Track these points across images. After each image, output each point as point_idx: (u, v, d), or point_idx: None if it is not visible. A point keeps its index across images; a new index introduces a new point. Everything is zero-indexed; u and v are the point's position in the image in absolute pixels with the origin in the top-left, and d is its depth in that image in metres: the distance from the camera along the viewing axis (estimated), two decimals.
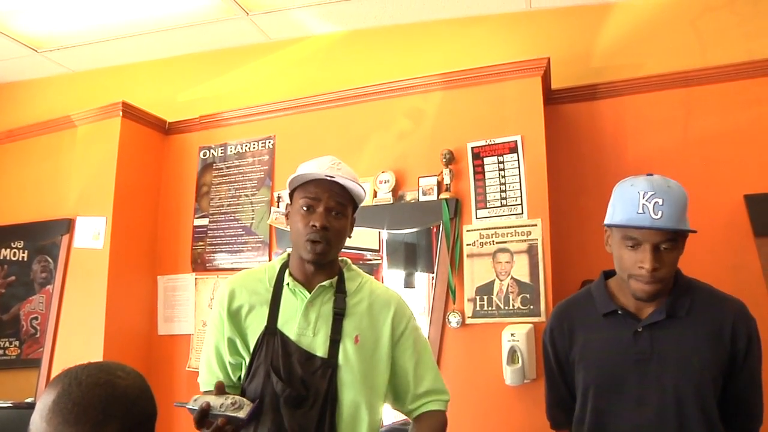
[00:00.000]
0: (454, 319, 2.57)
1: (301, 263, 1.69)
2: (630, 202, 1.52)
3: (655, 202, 1.48)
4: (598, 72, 2.91)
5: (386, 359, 1.71)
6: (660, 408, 1.53)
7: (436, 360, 2.55)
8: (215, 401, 1.41)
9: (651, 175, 1.58)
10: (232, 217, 3.16)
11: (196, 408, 1.41)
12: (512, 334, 2.37)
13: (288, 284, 1.69)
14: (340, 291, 1.71)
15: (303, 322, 1.64)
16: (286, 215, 1.75)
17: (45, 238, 3.27)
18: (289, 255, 1.78)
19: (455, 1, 3.10)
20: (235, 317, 1.68)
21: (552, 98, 2.85)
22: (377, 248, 3.16)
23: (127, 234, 3.14)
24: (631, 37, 2.93)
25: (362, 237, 3.12)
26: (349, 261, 1.82)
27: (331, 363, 1.62)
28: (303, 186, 1.67)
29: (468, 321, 2.56)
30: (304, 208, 1.64)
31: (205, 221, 3.23)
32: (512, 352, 2.36)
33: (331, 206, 1.65)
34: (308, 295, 1.67)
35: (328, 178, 1.64)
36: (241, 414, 1.39)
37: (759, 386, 1.61)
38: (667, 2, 2.90)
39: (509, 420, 2.44)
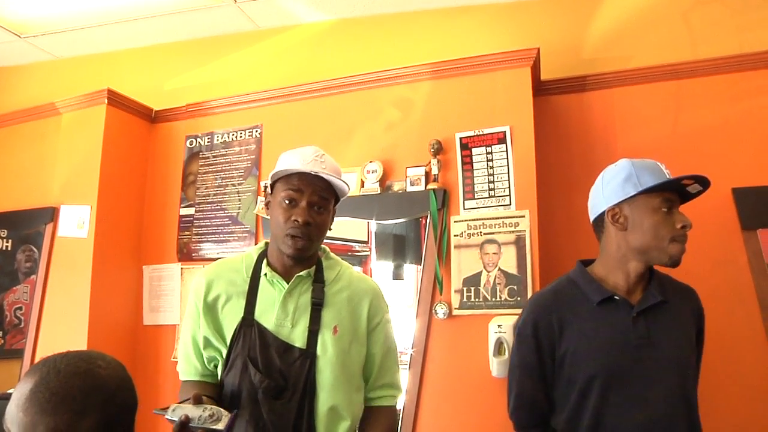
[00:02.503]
0: (441, 311, 2.56)
1: (280, 254, 1.68)
2: (652, 168, 1.61)
3: (667, 172, 1.61)
4: (588, 63, 2.90)
5: (363, 348, 1.72)
6: (666, 389, 1.54)
7: (423, 351, 2.56)
8: (193, 412, 1.38)
9: None
10: (219, 207, 3.13)
11: (176, 419, 1.37)
12: (499, 326, 2.37)
13: (266, 274, 1.68)
14: (318, 281, 1.71)
15: (281, 312, 1.64)
16: (266, 204, 1.73)
17: (29, 226, 3.23)
18: (266, 244, 1.76)
19: None
20: (211, 309, 1.67)
21: (541, 89, 2.83)
22: (365, 239, 3.15)
23: (112, 223, 3.11)
24: (621, 28, 2.92)
25: (350, 228, 3.10)
26: (327, 249, 1.81)
27: (309, 354, 1.62)
28: (286, 178, 1.65)
29: (455, 312, 2.55)
30: (286, 201, 1.63)
31: (191, 210, 3.20)
32: (499, 344, 2.36)
33: (314, 201, 1.64)
34: (286, 286, 1.66)
35: (313, 174, 1.63)
36: (220, 426, 1.37)
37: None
38: None
39: (495, 411, 2.43)
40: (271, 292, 1.67)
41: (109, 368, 1.18)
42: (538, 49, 2.62)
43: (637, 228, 1.60)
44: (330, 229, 1.72)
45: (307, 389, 1.59)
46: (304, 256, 1.66)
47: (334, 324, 1.66)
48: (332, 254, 1.81)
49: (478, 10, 3.15)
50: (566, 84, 2.84)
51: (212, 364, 1.68)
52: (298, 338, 1.62)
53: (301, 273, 1.67)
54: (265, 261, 1.70)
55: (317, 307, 1.66)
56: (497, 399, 2.44)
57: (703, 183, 1.60)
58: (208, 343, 1.66)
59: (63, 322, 2.98)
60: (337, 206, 1.76)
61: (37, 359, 2.99)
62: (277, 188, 1.67)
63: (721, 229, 2.52)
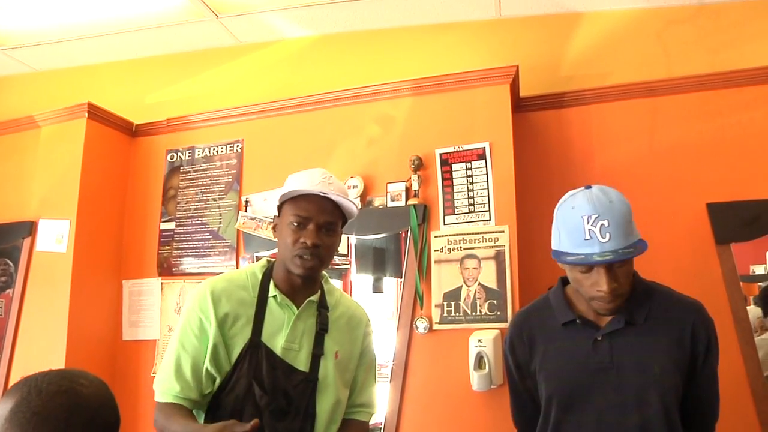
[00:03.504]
0: (421, 325, 2.57)
1: (288, 276, 1.67)
2: (575, 229, 1.47)
3: (601, 225, 1.43)
4: (565, 80, 2.95)
5: (353, 373, 1.76)
6: (622, 416, 1.51)
7: (404, 366, 2.56)
8: None
9: (589, 187, 1.52)
10: (199, 221, 3.12)
11: None
12: (479, 340, 2.38)
13: (275, 296, 1.66)
14: (323, 306, 1.72)
15: (291, 335, 1.64)
16: (274, 227, 1.72)
17: (6, 241, 3.18)
18: (268, 262, 1.76)
19: (426, 8, 3.11)
20: (222, 324, 1.62)
21: (520, 106, 2.87)
22: (345, 253, 3.15)
23: (92, 237, 3.08)
24: (598, 47, 2.98)
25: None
26: (326, 274, 1.82)
27: (312, 377, 1.64)
28: (294, 200, 1.64)
29: (435, 327, 2.56)
30: (295, 224, 1.61)
31: (171, 225, 3.18)
32: (479, 358, 2.37)
33: (322, 223, 1.62)
34: (296, 310, 1.66)
35: (321, 194, 1.62)
36: None
37: (716, 386, 1.62)
38: (634, 14, 2.95)
39: (475, 426, 2.44)
40: (280, 314, 1.66)
41: (92, 386, 1.17)
42: (517, 67, 2.66)
43: (568, 275, 1.58)
44: (338, 252, 1.74)
45: (308, 411, 1.61)
46: (313, 276, 1.67)
47: (335, 349, 1.69)
48: (329, 279, 1.82)
49: (459, 28, 3.20)
50: (545, 101, 2.89)
51: (207, 384, 1.61)
52: (303, 362, 1.64)
53: (311, 298, 1.68)
54: (271, 282, 1.69)
55: (322, 332, 1.68)
56: (478, 413, 2.45)
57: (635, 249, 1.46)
58: (215, 360, 1.60)
59: (40, 337, 2.94)
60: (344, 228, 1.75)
61: (12, 376, 2.96)
62: (285, 210, 1.66)
63: (695, 242, 2.57)
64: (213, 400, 1.63)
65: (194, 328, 1.63)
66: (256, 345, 1.61)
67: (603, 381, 1.53)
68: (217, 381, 1.62)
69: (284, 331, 1.64)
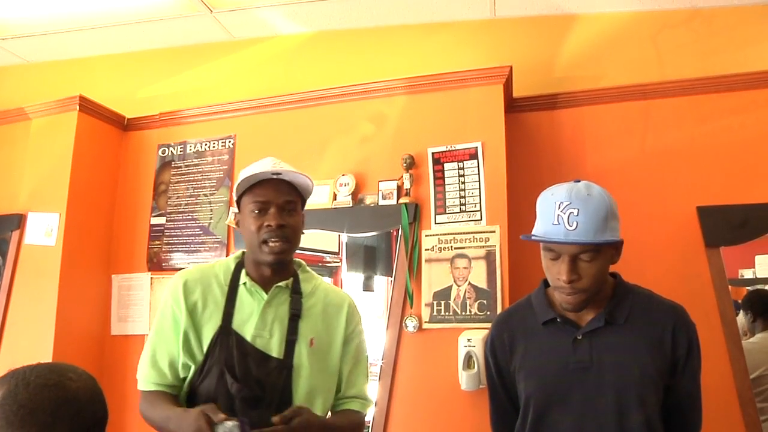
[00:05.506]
0: (411, 324, 2.57)
1: (258, 266, 1.69)
2: (547, 212, 1.50)
3: (570, 213, 1.45)
4: (559, 82, 2.95)
5: (336, 362, 1.74)
6: (601, 417, 1.51)
7: (393, 364, 2.56)
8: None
9: (578, 181, 1.55)
10: (190, 217, 3.11)
11: None
12: (469, 340, 2.39)
13: (245, 284, 1.68)
14: (296, 292, 1.72)
15: (260, 322, 1.65)
16: (237, 222, 1.74)
17: None
18: (243, 253, 1.77)
19: (420, 7, 3.11)
20: (192, 312, 1.65)
21: (513, 106, 2.88)
22: (336, 251, 3.15)
23: (81, 231, 3.06)
24: (592, 48, 2.99)
25: (321, 239, 3.11)
26: (303, 263, 1.82)
27: (286, 364, 1.63)
28: (250, 190, 1.67)
29: (425, 326, 2.57)
30: (256, 211, 1.64)
31: (162, 220, 3.17)
32: (468, 358, 2.37)
33: (282, 204, 1.66)
34: (266, 296, 1.67)
35: (275, 177, 1.65)
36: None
37: (698, 391, 1.61)
38: (628, 17, 2.96)
39: (463, 424, 2.45)
40: (250, 301, 1.67)
41: (80, 381, 1.17)
42: (511, 67, 2.66)
43: (543, 263, 1.58)
44: (303, 232, 1.74)
45: (283, 399, 1.60)
46: (284, 260, 1.68)
47: (310, 336, 1.68)
48: (308, 268, 1.83)
49: (453, 27, 3.20)
50: (537, 101, 2.89)
51: (183, 372, 1.65)
52: (275, 348, 1.63)
53: (280, 284, 1.69)
54: (243, 271, 1.71)
55: (295, 318, 1.67)
56: (466, 412, 2.45)
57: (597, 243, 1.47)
58: (187, 348, 1.63)
59: (28, 331, 2.92)
60: (304, 210, 1.78)
61: None
62: (244, 202, 1.69)
63: (685, 245, 2.58)
64: (190, 388, 1.65)
65: (168, 318, 1.67)
66: (226, 332, 1.63)
67: (582, 380, 1.53)
68: (192, 370, 1.64)
69: (254, 318, 1.65)
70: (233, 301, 1.67)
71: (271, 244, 1.62)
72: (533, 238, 1.52)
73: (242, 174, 1.70)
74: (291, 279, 1.72)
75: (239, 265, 1.73)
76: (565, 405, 1.54)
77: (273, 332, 1.65)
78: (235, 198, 1.72)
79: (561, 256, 1.48)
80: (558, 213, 1.46)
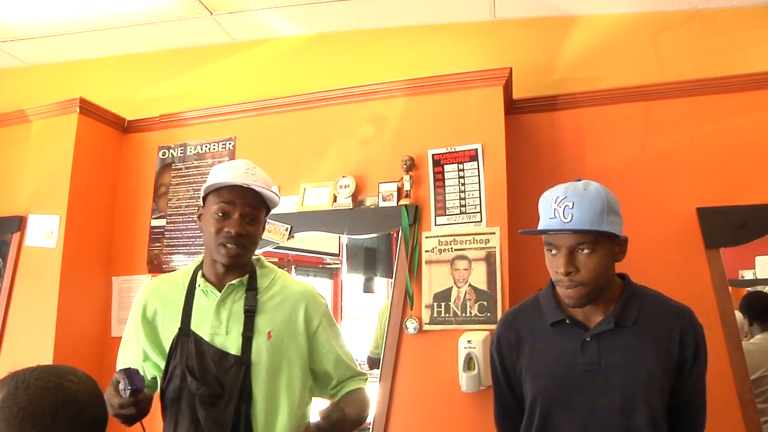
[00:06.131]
0: (411, 326, 2.57)
1: (213, 264, 1.73)
2: (545, 208, 1.55)
3: (566, 206, 1.49)
4: (558, 83, 2.96)
5: (303, 353, 1.75)
6: (608, 419, 1.51)
7: (393, 366, 2.56)
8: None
9: (579, 180, 1.58)
10: (190, 219, 3.11)
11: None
12: (469, 341, 2.39)
13: (199, 285, 1.72)
14: (251, 288, 1.74)
15: (215, 321, 1.68)
16: (199, 216, 1.77)
17: None
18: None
19: (420, 8, 3.12)
20: (150, 324, 1.73)
21: (513, 108, 2.88)
22: (337, 252, 3.15)
23: (82, 233, 3.06)
24: (592, 50, 2.99)
25: (322, 241, 3.11)
26: (262, 258, 1.85)
27: (244, 360, 1.65)
28: (218, 191, 1.70)
29: (425, 327, 2.56)
30: (219, 214, 1.68)
31: (162, 222, 3.17)
32: (468, 359, 2.37)
33: (246, 212, 1.69)
34: (219, 295, 1.70)
35: (244, 186, 1.68)
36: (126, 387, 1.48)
37: (704, 393, 1.62)
38: (628, 18, 2.96)
39: (464, 427, 2.45)
40: (206, 301, 1.71)
41: (80, 383, 1.17)
42: (511, 69, 2.66)
43: (546, 261, 1.60)
44: (261, 239, 1.78)
45: (243, 395, 1.62)
46: (237, 263, 1.71)
47: (268, 329, 1.69)
48: (267, 263, 1.85)
49: (453, 29, 3.20)
50: (537, 103, 2.89)
51: (152, 379, 1.73)
52: (233, 345, 1.66)
53: (233, 281, 1.71)
54: (200, 273, 1.75)
55: (250, 313, 1.69)
56: (467, 414, 2.45)
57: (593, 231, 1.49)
58: (146, 357, 1.71)
59: (28, 333, 2.92)
60: (268, 216, 1.82)
61: None
62: (210, 201, 1.72)
63: (685, 247, 2.58)
64: (160, 391, 1.70)
65: (131, 327, 1.77)
66: (185, 333, 1.67)
67: (590, 382, 1.53)
68: (158, 375, 1.70)
69: (210, 317, 1.68)
70: (191, 303, 1.72)
71: (227, 247, 1.66)
72: (529, 231, 1.57)
73: (214, 172, 1.74)
74: (246, 276, 1.75)
75: (198, 269, 1.77)
76: (572, 406, 1.54)
77: (230, 329, 1.68)
78: (202, 194, 1.75)
79: (559, 249, 1.51)
80: (554, 207, 1.51)
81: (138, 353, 1.73)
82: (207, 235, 1.70)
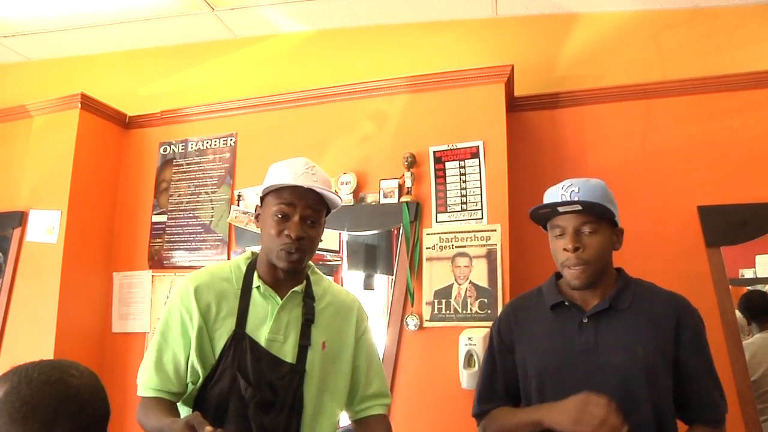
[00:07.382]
0: (412, 322, 2.57)
1: (272, 268, 1.66)
2: (551, 194, 1.68)
3: (571, 191, 1.62)
4: (560, 81, 2.95)
5: (348, 364, 1.72)
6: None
7: (394, 362, 2.57)
8: None
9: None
10: (191, 215, 3.11)
11: None
12: (469, 338, 2.39)
13: (258, 287, 1.65)
14: (309, 296, 1.70)
15: (275, 326, 1.62)
16: (257, 217, 1.70)
17: None
18: (252, 254, 1.75)
19: (422, 5, 3.12)
20: (205, 318, 1.61)
21: (515, 105, 2.88)
22: (337, 249, 3.15)
23: (83, 229, 3.07)
24: (593, 48, 2.99)
25: (322, 238, 3.10)
26: (312, 264, 1.80)
27: (299, 369, 1.62)
28: (277, 191, 1.63)
29: (426, 324, 2.57)
30: (279, 216, 1.60)
31: (163, 218, 3.17)
32: (469, 356, 2.38)
33: (307, 215, 1.62)
34: (280, 301, 1.64)
35: (305, 187, 1.61)
36: None
37: (714, 373, 1.64)
38: (630, 16, 2.96)
39: (464, 423, 2.43)
40: (264, 305, 1.64)
41: (82, 377, 1.17)
42: (512, 66, 2.66)
43: (550, 246, 1.70)
44: (321, 241, 1.71)
45: (295, 403, 1.59)
46: (298, 268, 1.65)
47: (322, 340, 1.67)
48: (316, 269, 1.81)
49: (455, 26, 3.20)
50: (539, 100, 2.89)
51: (191, 377, 1.61)
52: (289, 353, 1.62)
53: (295, 288, 1.66)
54: (255, 273, 1.68)
55: (308, 322, 1.66)
56: (467, 411, 2.43)
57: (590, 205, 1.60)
58: (200, 352, 1.59)
59: (29, 328, 2.93)
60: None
61: (0, 367, 2.93)
62: (268, 202, 1.64)
63: (686, 245, 2.59)
64: (199, 393, 1.62)
65: (176, 322, 1.63)
66: (240, 337, 1.60)
67: (587, 362, 1.59)
68: (202, 374, 1.60)
69: (268, 323, 1.62)
70: (247, 305, 1.64)
71: (289, 254, 1.59)
72: (541, 206, 1.65)
73: (272, 170, 1.67)
74: (304, 283, 1.71)
75: (251, 267, 1.70)
76: (570, 386, 1.55)
77: (287, 336, 1.63)
78: (260, 194, 1.69)
79: (565, 229, 1.61)
80: (561, 192, 1.64)
81: (182, 348, 1.60)
82: (266, 237, 1.63)
